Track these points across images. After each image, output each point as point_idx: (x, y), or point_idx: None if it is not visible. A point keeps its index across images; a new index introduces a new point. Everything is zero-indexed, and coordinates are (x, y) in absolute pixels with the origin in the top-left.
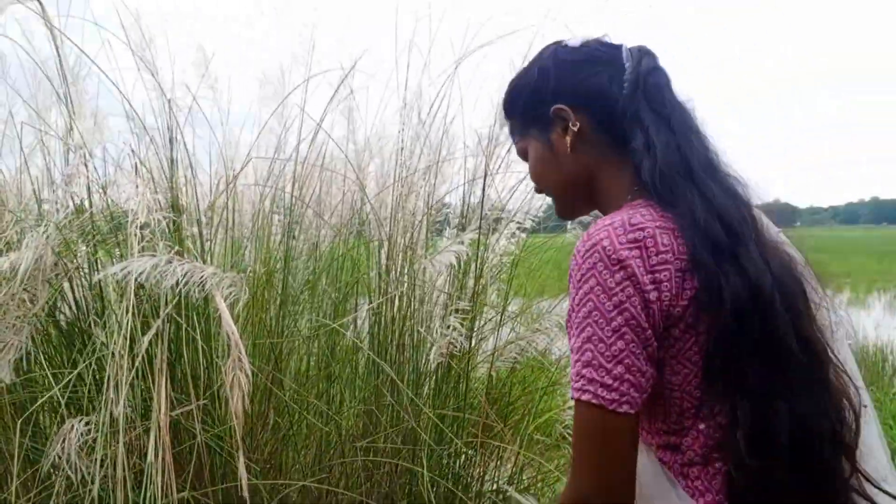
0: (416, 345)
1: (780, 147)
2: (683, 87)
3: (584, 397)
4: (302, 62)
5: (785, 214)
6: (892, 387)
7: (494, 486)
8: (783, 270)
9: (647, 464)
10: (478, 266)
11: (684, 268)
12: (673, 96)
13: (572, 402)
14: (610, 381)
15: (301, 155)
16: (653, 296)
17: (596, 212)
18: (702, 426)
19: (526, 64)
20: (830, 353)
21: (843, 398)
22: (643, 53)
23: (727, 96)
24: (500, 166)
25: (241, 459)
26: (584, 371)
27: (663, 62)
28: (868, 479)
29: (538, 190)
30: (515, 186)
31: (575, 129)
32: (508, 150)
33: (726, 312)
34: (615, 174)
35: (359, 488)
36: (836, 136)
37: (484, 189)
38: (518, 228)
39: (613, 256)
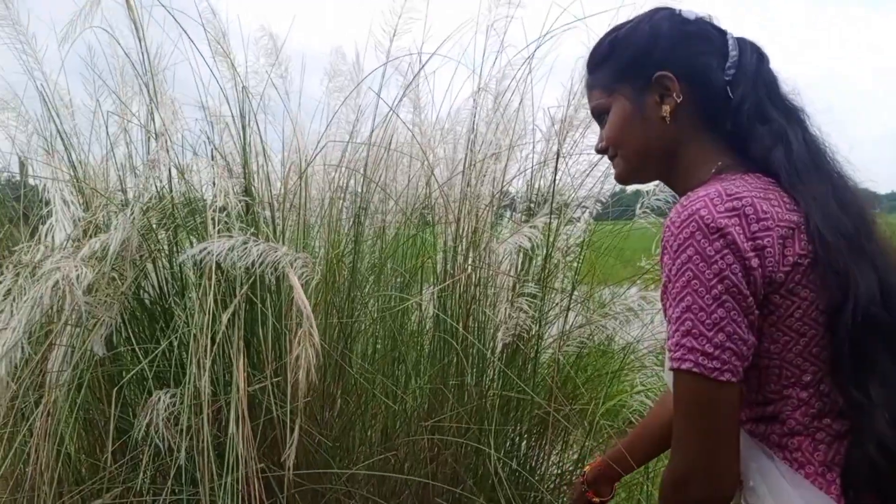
0: (481, 326)
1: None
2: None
3: (685, 366)
4: (381, 48)
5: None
6: None
7: (559, 471)
8: None
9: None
10: (547, 250)
11: (785, 234)
12: (784, 93)
13: (640, 387)
14: (711, 350)
15: (371, 140)
16: (754, 262)
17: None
18: (803, 394)
19: (627, 20)
20: None
21: None
22: (755, 47)
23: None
24: (571, 149)
25: (296, 432)
26: (683, 340)
27: None
28: None
29: (601, 150)
30: (587, 171)
31: (678, 100)
32: (583, 134)
33: (858, 302)
34: (699, 151)
35: (425, 468)
36: None
37: (555, 172)
38: (587, 213)
39: (712, 225)
